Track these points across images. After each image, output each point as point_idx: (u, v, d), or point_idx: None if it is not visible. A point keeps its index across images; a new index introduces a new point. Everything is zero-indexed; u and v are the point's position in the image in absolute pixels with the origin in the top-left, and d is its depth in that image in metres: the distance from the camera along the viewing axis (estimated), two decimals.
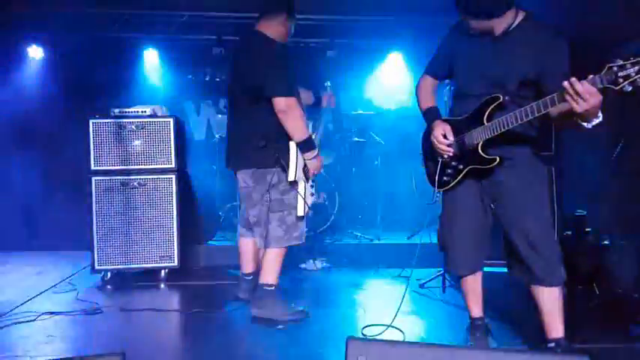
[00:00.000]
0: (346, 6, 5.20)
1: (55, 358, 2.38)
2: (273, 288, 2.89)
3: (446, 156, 2.29)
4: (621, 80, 1.71)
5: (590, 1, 3.56)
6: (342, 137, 5.46)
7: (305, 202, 2.83)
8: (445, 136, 2.26)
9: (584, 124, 1.86)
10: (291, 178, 2.77)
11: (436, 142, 2.28)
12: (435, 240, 3.54)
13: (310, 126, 2.98)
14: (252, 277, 3.19)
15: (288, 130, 2.73)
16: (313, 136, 2.94)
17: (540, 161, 2.26)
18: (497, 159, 2.15)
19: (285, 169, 2.78)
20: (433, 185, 2.39)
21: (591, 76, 1.77)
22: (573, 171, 3.66)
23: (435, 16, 4.93)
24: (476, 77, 2.22)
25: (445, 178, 2.34)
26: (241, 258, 3.24)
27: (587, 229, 3.29)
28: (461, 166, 2.29)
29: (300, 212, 2.84)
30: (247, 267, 3.23)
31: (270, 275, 2.89)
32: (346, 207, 5.10)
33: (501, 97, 2.12)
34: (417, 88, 2.51)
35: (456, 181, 2.31)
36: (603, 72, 1.75)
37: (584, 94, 1.76)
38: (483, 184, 2.29)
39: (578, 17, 3.58)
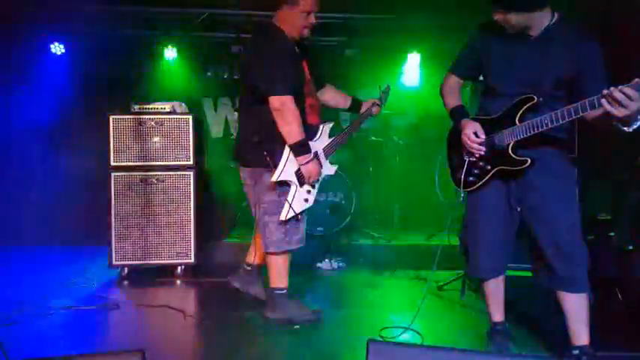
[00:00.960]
0: (365, 4, 5.16)
1: (73, 353, 2.40)
2: (284, 291, 2.86)
3: (477, 155, 2.24)
4: None
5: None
6: (359, 136, 5.42)
7: (291, 207, 2.69)
8: (477, 135, 2.22)
9: (624, 127, 1.85)
10: (272, 178, 2.66)
11: (468, 141, 2.23)
12: (454, 242, 3.51)
13: (326, 128, 2.86)
14: (250, 268, 3.13)
15: (282, 131, 2.62)
16: (324, 140, 2.83)
17: (570, 164, 2.22)
18: (529, 161, 2.10)
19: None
20: (457, 185, 2.34)
21: (636, 79, 1.74)
22: (597, 174, 3.58)
23: (455, 17, 4.90)
24: (510, 77, 2.18)
25: (471, 178, 2.29)
26: (250, 248, 3.19)
27: (611, 234, 3.22)
28: (489, 167, 2.24)
29: (283, 216, 2.70)
30: (250, 257, 3.15)
31: (278, 280, 2.85)
32: (363, 207, 5.06)
33: (535, 98, 2.08)
34: (442, 87, 2.47)
35: (482, 181, 2.26)
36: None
37: (625, 101, 1.73)
38: (511, 185, 2.25)
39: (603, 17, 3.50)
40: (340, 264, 4.20)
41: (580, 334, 2.17)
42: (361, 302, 3.35)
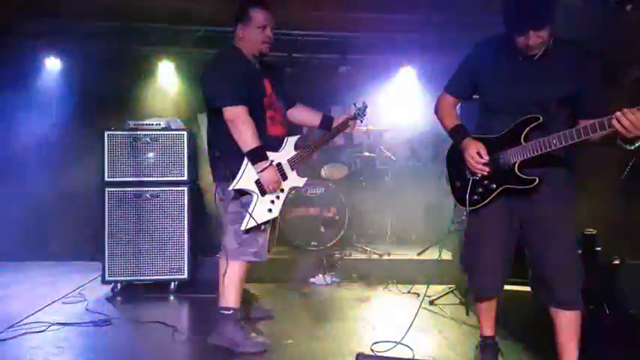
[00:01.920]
0: (358, 22, 5.25)
1: None
2: (231, 312, 2.75)
3: (480, 175, 2.25)
4: None
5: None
6: (352, 152, 5.48)
7: (251, 216, 2.67)
8: (480, 155, 2.23)
9: (627, 145, 1.92)
10: (230, 186, 2.67)
11: (472, 161, 2.24)
12: (446, 257, 3.54)
13: (291, 140, 2.83)
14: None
15: (237, 141, 2.64)
16: (289, 152, 2.80)
17: (572, 183, 2.24)
18: (537, 180, 2.11)
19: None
20: (461, 204, 2.35)
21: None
22: (583, 188, 3.63)
23: (447, 34, 5.00)
24: (513, 96, 2.18)
25: (475, 197, 2.28)
26: None
27: (598, 248, 3.26)
28: (494, 186, 2.24)
29: (244, 226, 2.68)
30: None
31: (228, 298, 2.75)
32: (356, 222, 5.10)
33: (541, 117, 2.10)
34: (438, 107, 2.48)
35: (487, 200, 2.27)
36: None
37: (637, 122, 1.81)
38: (513, 204, 2.25)
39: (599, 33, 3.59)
40: (333, 279, 4.22)
41: (569, 352, 2.19)
42: (354, 316, 3.37)
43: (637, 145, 1.90)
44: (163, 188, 3.84)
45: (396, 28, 5.31)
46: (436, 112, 2.49)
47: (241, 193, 2.72)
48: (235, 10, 2.80)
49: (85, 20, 5.06)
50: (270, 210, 2.74)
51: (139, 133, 3.84)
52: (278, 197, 2.77)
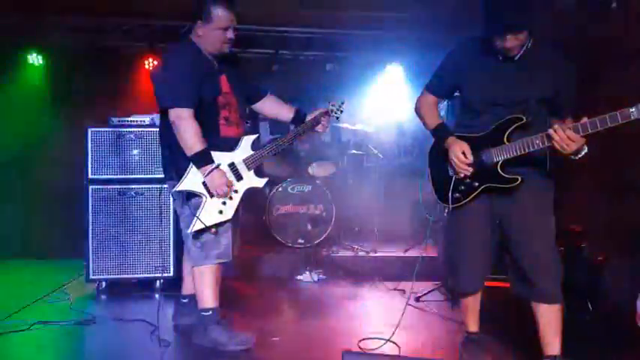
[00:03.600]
0: (344, 19, 5.25)
1: None
2: (210, 312, 2.70)
3: (462, 174, 2.27)
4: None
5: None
6: (339, 150, 5.48)
7: (198, 218, 2.57)
8: (465, 155, 2.24)
9: (572, 156, 2.03)
10: (176, 187, 2.61)
11: (456, 161, 2.26)
12: (432, 253, 3.56)
13: (247, 140, 2.74)
14: (187, 299, 3.03)
15: (179, 143, 2.55)
16: (245, 152, 2.72)
17: (550, 178, 2.28)
18: (519, 179, 2.15)
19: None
20: (442, 201, 2.38)
21: (571, 125, 1.99)
22: (566, 185, 3.67)
23: (433, 32, 5.03)
24: (495, 96, 2.21)
25: (457, 194, 2.31)
26: (183, 278, 3.09)
27: (582, 245, 3.30)
28: (476, 184, 2.26)
29: (190, 229, 2.59)
30: (185, 288, 3.06)
31: (204, 299, 2.70)
32: (343, 219, 5.10)
33: (524, 118, 2.14)
34: (419, 106, 2.49)
35: (469, 199, 2.29)
36: (581, 123, 1.96)
37: (567, 140, 1.96)
38: (494, 200, 2.29)
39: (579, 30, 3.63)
40: (320, 276, 4.22)
41: (552, 344, 2.23)
42: (341, 314, 3.37)
43: (581, 155, 2.03)
44: (148, 186, 3.79)
45: (382, 25, 5.33)
46: (416, 110, 2.51)
47: (191, 195, 2.64)
48: (194, 6, 2.62)
49: (68, 15, 5.00)
50: (221, 212, 2.63)
51: (123, 129, 3.79)
52: (231, 198, 2.67)
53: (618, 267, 3.25)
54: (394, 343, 2.63)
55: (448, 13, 4.61)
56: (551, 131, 1.98)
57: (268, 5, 4.74)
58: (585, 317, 3.11)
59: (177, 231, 3.82)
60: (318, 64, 5.70)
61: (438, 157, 2.39)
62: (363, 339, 2.75)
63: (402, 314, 2.52)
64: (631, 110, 1.86)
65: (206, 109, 2.61)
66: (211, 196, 2.61)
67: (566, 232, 3.23)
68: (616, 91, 3.09)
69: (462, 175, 2.27)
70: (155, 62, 5.45)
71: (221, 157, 2.65)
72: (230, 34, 2.64)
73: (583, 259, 3.24)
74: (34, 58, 5.35)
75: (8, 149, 5.19)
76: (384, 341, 2.61)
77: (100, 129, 3.78)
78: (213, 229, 2.65)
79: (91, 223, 3.73)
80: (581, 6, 3.61)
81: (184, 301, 3.06)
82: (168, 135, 2.63)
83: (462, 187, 2.30)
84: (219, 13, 2.58)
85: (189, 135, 2.53)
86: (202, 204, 2.60)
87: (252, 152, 2.74)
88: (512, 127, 2.16)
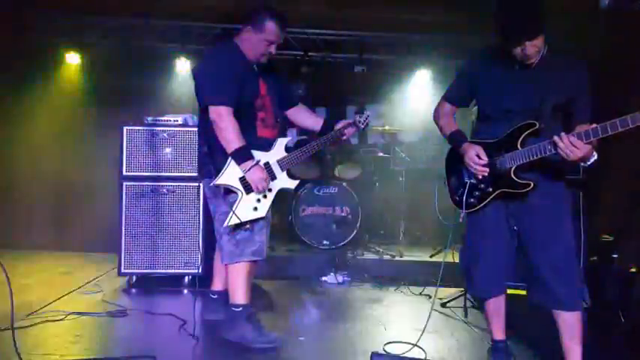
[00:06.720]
0: (374, 22, 5.26)
1: (84, 358, 2.46)
2: (240, 309, 2.73)
3: (480, 177, 2.30)
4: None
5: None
6: (366, 152, 5.49)
7: (234, 213, 2.61)
8: (479, 156, 2.28)
9: (582, 163, 2.02)
10: (214, 182, 2.64)
11: (471, 163, 2.29)
12: (457, 259, 3.53)
13: (282, 142, 2.80)
14: (217, 295, 3.11)
15: (220, 140, 2.60)
16: (279, 153, 2.77)
17: (567, 186, 2.29)
18: (532, 184, 2.16)
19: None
20: (458, 206, 2.40)
21: (576, 132, 1.97)
22: (602, 196, 3.61)
23: (462, 36, 5.00)
24: (510, 103, 2.24)
25: (472, 200, 2.35)
26: (213, 274, 3.16)
27: (614, 255, 3.24)
28: (490, 189, 2.29)
29: (226, 223, 2.63)
30: (215, 284, 3.14)
31: (236, 295, 2.73)
32: (369, 222, 5.11)
33: (537, 124, 2.15)
34: (437, 114, 2.55)
35: (483, 204, 2.32)
36: (584, 130, 1.94)
37: (570, 147, 1.96)
38: (510, 206, 2.31)
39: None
40: (345, 278, 4.24)
41: (573, 351, 2.21)
42: (365, 317, 3.38)
43: (591, 162, 2.02)
44: (180, 183, 3.89)
45: (412, 28, 5.32)
46: (435, 119, 2.57)
47: (228, 191, 2.68)
48: (251, 11, 2.72)
49: (105, 15, 5.15)
50: (255, 209, 2.68)
51: (156, 128, 3.89)
52: (265, 196, 2.70)
53: None
54: (420, 347, 2.64)
55: (478, 17, 4.57)
56: (556, 138, 1.98)
57: (296, 7, 4.79)
58: (617, 330, 3.05)
59: (207, 229, 3.91)
60: (347, 67, 5.71)
61: (454, 162, 2.43)
62: (389, 342, 2.77)
63: (428, 319, 2.52)
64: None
65: (244, 110, 2.67)
66: (247, 192, 2.66)
67: (597, 243, 3.18)
68: None
69: (479, 178, 2.30)
70: (188, 63, 5.57)
71: (258, 156, 2.71)
72: (272, 49, 2.72)
73: (615, 269, 3.17)
74: (72, 57, 5.52)
75: (45, 143, 5.36)
76: (410, 346, 2.61)
77: (135, 127, 3.88)
78: (248, 225, 2.70)
79: (124, 219, 3.84)
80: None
81: (214, 297, 3.13)
82: (207, 132, 2.69)
83: (477, 193, 2.33)
84: (272, 27, 2.67)
85: (230, 132, 2.58)
86: (238, 200, 2.66)
87: (285, 154, 2.80)
88: (525, 133, 2.18)
